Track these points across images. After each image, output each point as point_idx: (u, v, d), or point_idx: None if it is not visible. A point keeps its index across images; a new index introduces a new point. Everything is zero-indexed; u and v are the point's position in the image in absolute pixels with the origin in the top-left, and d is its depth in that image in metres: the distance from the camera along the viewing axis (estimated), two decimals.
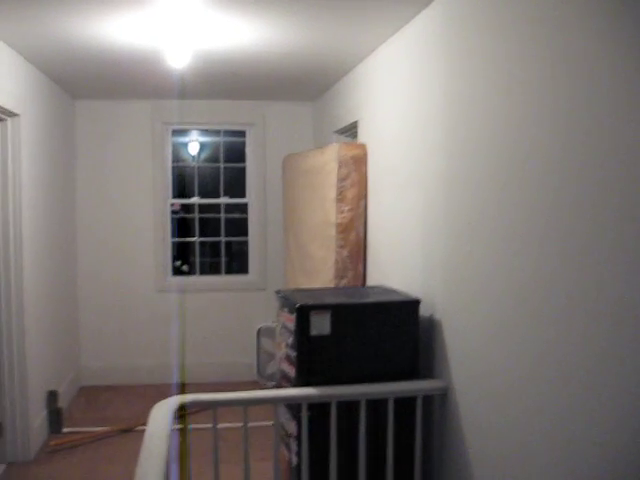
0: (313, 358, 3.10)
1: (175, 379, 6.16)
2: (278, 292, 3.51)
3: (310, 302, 3.13)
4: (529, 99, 2.34)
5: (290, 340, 3.19)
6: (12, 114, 4.24)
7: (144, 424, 2.71)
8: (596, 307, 1.96)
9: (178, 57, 3.95)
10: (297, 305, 3.08)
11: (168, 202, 6.37)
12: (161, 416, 2.58)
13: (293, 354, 3.15)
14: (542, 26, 2.25)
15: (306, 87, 5.71)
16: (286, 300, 3.28)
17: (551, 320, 2.21)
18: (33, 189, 4.68)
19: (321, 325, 3.08)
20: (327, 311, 3.08)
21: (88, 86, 5.57)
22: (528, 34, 2.35)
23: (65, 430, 4.99)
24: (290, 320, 3.18)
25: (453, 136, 3.03)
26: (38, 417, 4.73)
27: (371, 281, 4.40)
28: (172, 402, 2.74)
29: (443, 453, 3.16)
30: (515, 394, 2.48)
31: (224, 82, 5.44)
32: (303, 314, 3.07)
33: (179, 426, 3.04)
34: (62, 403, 5.28)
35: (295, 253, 5.41)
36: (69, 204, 5.98)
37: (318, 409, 3.04)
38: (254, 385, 5.87)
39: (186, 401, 2.80)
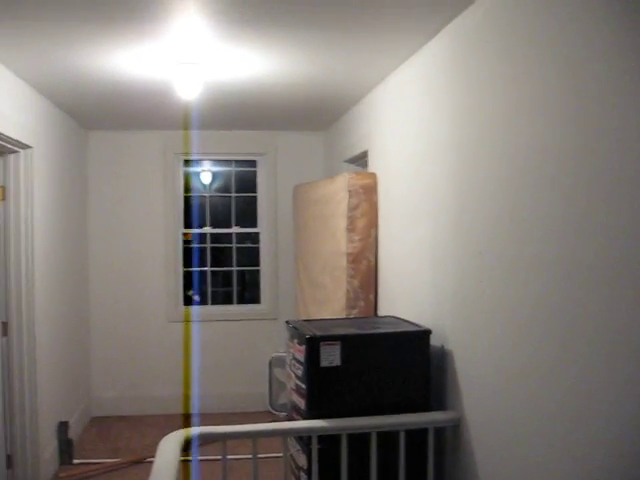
0: (323, 390, 3.08)
1: (186, 409, 6.13)
2: (288, 322, 3.49)
3: (320, 333, 3.11)
4: (537, 127, 2.34)
5: (300, 372, 3.17)
6: (25, 146, 4.29)
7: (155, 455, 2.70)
8: (604, 334, 1.93)
9: (188, 89, 3.99)
10: (307, 336, 3.07)
11: (180, 232, 6.39)
12: (168, 449, 2.56)
13: (303, 386, 3.12)
14: (548, 53, 2.25)
15: (317, 117, 5.74)
16: (296, 331, 3.26)
17: (561, 349, 2.19)
18: (46, 220, 4.72)
19: (331, 356, 3.06)
20: (337, 342, 3.06)
21: (101, 118, 5.63)
22: (534, 62, 2.35)
23: (76, 461, 4.97)
24: (300, 351, 3.16)
25: (461, 165, 3.03)
26: (49, 448, 4.71)
27: (382, 311, 4.38)
28: (180, 435, 2.72)
29: None
30: (528, 425, 2.44)
31: (235, 112, 5.48)
32: (313, 345, 3.05)
33: (189, 458, 3.04)
34: (73, 434, 5.26)
35: (306, 283, 5.40)
36: (81, 234, 6.02)
37: (328, 441, 3.01)
38: (266, 415, 5.84)
39: (195, 434, 2.78)
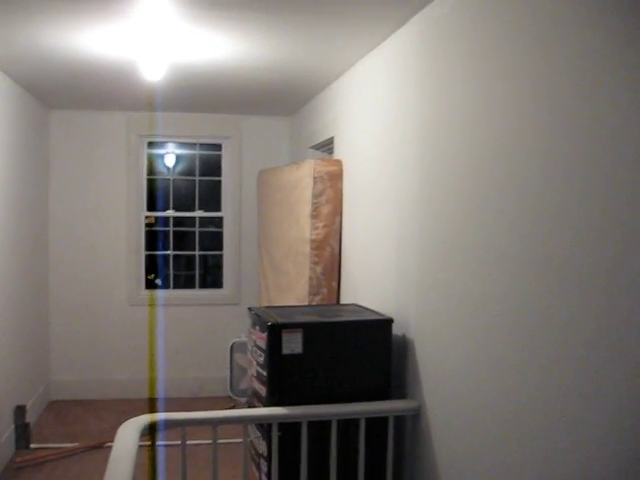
0: (284, 377, 3.07)
1: (147, 394, 6.08)
2: (250, 309, 3.47)
3: (282, 320, 3.10)
4: (506, 118, 2.34)
5: (262, 359, 3.16)
6: None
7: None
8: (571, 328, 1.96)
9: (153, 70, 3.93)
10: (269, 323, 3.06)
11: (142, 215, 6.31)
12: (127, 436, 2.54)
13: (264, 373, 3.12)
14: (518, 43, 2.26)
15: (283, 102, 5.70)
16: (258, 318, 3.25)
17: (524, 341, 2.21)
18: None
19: (293, 344, 3.05)
20: (299, 330, 3.06)
21: (63, 96, 5.51)
22: (504, 53, 2.36)
23: (33, 446, 4.90)
24: (262, 338, 3.15)
25: (428, 154, 3.03)
26: (5, 432, 4.63)
27: (345, 298, 4.38)
28: (139, 421, 2.69)
29: (414, 474, 3.14)
30: (487, 415, 2.47)
31: (200, 95, 5.41)
32: (275, 333, 3.04)
33: (148, 443, 3.01)
34: (30, 418, 5.18)
35: (269, 269, 5.38)
36: (41, 215, 5.90)
37: (289, 429, 3.01)
38: (227, 400, 5.82)
39: (154, 420, 2.75)
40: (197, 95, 5.41)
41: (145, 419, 2.73)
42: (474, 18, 2.60)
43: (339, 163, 4.47)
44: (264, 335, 3.10)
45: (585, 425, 1.88)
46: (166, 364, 6.24)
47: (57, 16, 3.31)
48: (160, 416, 2.80)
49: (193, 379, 6.30)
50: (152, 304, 6.28)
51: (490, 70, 2.45)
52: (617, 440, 1.76)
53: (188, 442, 2.87)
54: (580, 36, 1.92)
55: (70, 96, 5.48)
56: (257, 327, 3.24)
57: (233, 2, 3.10)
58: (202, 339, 6.36)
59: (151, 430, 2.77)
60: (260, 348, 3.18)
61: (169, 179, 6.55)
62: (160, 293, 6.47)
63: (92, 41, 3.73)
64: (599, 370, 1.82)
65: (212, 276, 6.76)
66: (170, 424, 2.83)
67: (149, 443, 4.14)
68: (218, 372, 6.15)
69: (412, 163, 3.22)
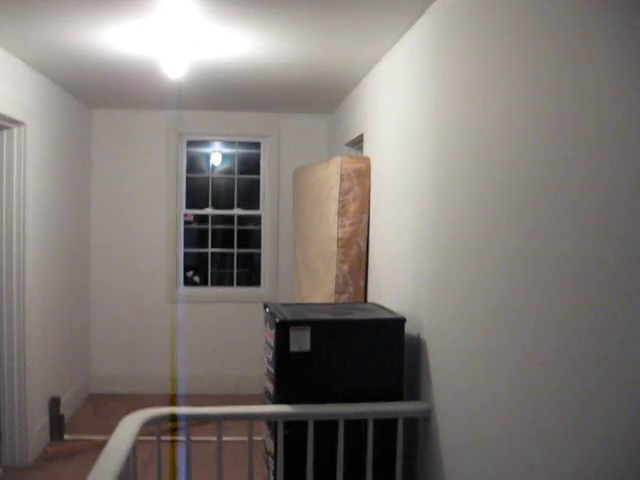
0: (292, 375, 3.04)
1: (183, 390, 6.14)
2: (265, 306, 3.45)
3: (290, 318, 3.07)
4: (515, 114, 2.24)
5: (270, 356, 3.13)
6: (17, 122, 4.29)
7: (145, 434, 2.69)
8: (595, 329, 1.84)
9: (175, 67, 3.96)
10: (277, 320, 3.03)
11: (181, 213, 6.38)
12: (126, 429, 2.55)
13: (272, 370, 3.09)
14: (538, 33, 2.12)
15: (319, 99, 5.67)
16: (270, 315, 3.22)
17: (542, 344, 2.08)
18: (40, 196, 4.72)
19: (301, 341, 3.02)
20: (307, 327, 3.02)
21: (102, 96, 5.62)
22: (516, 44, 2.26)
23: (67, 437, 5.01)
24: (271, 335, 3.12)
25: (440, 150, 2.95)
26: (39, 423, 4.74)
27: (372, 297, 4.32)
28: (141, 415, 2.70)
29: (424, 476, 3.06)
30: (499, 419, 2.37)
31: (237, 93, 5.43)
32: (282, 329, 3.01)
33: (169, 438, 3.03)
34: (68, 410, 5.30)
35: (302, 267, 5.36)
36: (82, 213, 6.03)
37: (296, 428, 2.98)
38: (262, 398, 5.81)
39: (156, 415, 2.76)
40: (234, 94, 5.43)
41: (147, 413, 2.74)
42: (487, 5, 2.50)
43: (367, 160, 4.41)
44: (273, 332, 3.08)
45: (607, 427, 1.75)
46: (203, 361, 6.30)
47: (81, 14, 3.36)
48: (163, 410, 2.81)
49: (230, 377, 6.32)
50: (190, 301, 6.34)
51: (501, 61, 2.34)
52: None
53: (207, 438, 2.87)
54: (607, 22, 1.82)
55: (109, 95, 5.57)
56: (268, 324, 3.22)
57: None
58: (239, 337, 6.38)
59: (172, 425, 2.77)
60: (270, 345, 3.16)
61: (208, 177, 6.60)
62: (198, 290, 6.54)
63: (118, 39, 3.78)
64: (624, 371, 1.68)
65: (250, 274, 6.78)
66: (175, 419, 2.83)
67: (171, 438, 4.20)
68: (255, 370, 6.14)
69: (426, 159, 3.15)
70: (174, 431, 4.62)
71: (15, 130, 4.34)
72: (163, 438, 2.87)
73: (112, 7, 3.25)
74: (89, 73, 4.71)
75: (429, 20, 3.11)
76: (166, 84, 4.94)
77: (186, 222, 6.48)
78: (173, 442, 4.27)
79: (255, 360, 6.10)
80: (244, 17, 3.41)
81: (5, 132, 4.32)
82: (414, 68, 3.39)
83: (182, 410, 2.88)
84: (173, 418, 2.80)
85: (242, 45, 3.93)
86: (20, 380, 4.43)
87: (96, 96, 5.63)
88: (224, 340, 6.37)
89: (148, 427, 2.75)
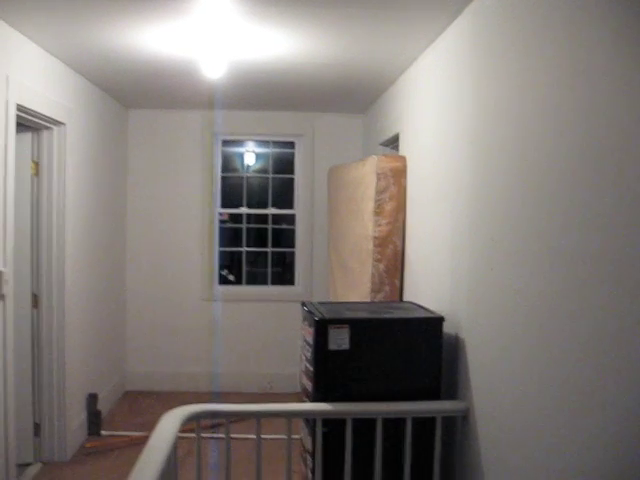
0: (330, 373, 3.05)
1: (217, 387, 6.18)
2: (303, 304, 3.46)
3: (329, 316, 3.07)
4: (555, 113, 2.22)
5: (309, 354, 3.14)
6: (57, 122, 4.36)
7: (181, 430, 2.72)
8: (616, 324, 1.83)
9: (213, 67, 3.99)
10: (316, 318, 3.04)
11: (216, 211, 6.43)
12: (167, 425, 2.58)
13: (311, 368, 3.10)
14: (577, 33, 2.09)
15: (354, 99, 5.67)
16: (308, 313, 3.23)
17: (572, 338, 2.08)
18: (78, 196, 4.79)
19: (340, 340, 3.02)
20: (346, 325, 3.02)
21: (139, 96, 5.68)
22: (557, 44, 2.24)
23: (104, 433, 5.07)
24: (309, 333, 3.13)
25: (478, 150, 2.94)
26: (77, 419, 4.82)
27: (408, 296, 4.31)
28: (181, 412, 2.73)
29: (462, 476, 3.05)
30: (534, 417, 2.36)
31: (271, 93, 5.45)
32: (321, 328, 3.02)
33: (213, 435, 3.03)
34: (105, 406, 5.37)
35: (337, 265, 5.37)
36: (119, 211, 6.11)
37: (334, 425, 2.98)
38: (297, 397, 5.83)
39: (196, 411, 2.79)
40: (268, 93, 5.46)
41: (187, 410, 2.76)
42: (527, 4, 2.48)
43: (403, 159, 4.40)
44: (311, 330, 3.08)
45: None
46: (237, 359, 6.34)
47: (123, 16, 3.41)
48: (203, 407, 2.83)
49: (263, 375, 6.35)
50: (225, 300, 6.38)
51: (540, 60, 2.33)
52: None
53: (240, 436, 2.89)
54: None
55: (145, 95, 5.64)
56: (306, 322, 3.23)
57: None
58: (273, 335, 6.41)
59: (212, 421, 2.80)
60: (308, 343, 3.17)
61: (243, 177, 6.64)
62: (233, 289, 6.58)
63: (156, 40, 3.83)
64: None
65: (284, 273, 6.81)
66: (213, 415, 2.86)
67: (211, 435, 4.23)
68: (289, 368, 6.18)
69: (463, 158, 3.14)
70: (212, 428, 4.68)
71: (55, 130, 4.40)
72: (203, 435, 2.88)
73: (151, 9, 3.30)
74: (127, 74, 4.77)
75: (467, 20, 3.10)
76: (203, 84, 4.98)
77: (220, 221, 6.52)
78: (211, 439, 4.31)
79: (289, 359, 6.14)
80: (281, 17, 3.43)
81: (45, 132, 4.39)
82: (451, 68, 3.37)
83: (222, 407, 2.89)
84: (213, 415, 2.83)
85: (279, 45, 3.95)
86: (59, 378, 4.50)
87: (133, 96, 5.70)
88: (258, 338, 6.40)
89: (187, 424, 2.78)
